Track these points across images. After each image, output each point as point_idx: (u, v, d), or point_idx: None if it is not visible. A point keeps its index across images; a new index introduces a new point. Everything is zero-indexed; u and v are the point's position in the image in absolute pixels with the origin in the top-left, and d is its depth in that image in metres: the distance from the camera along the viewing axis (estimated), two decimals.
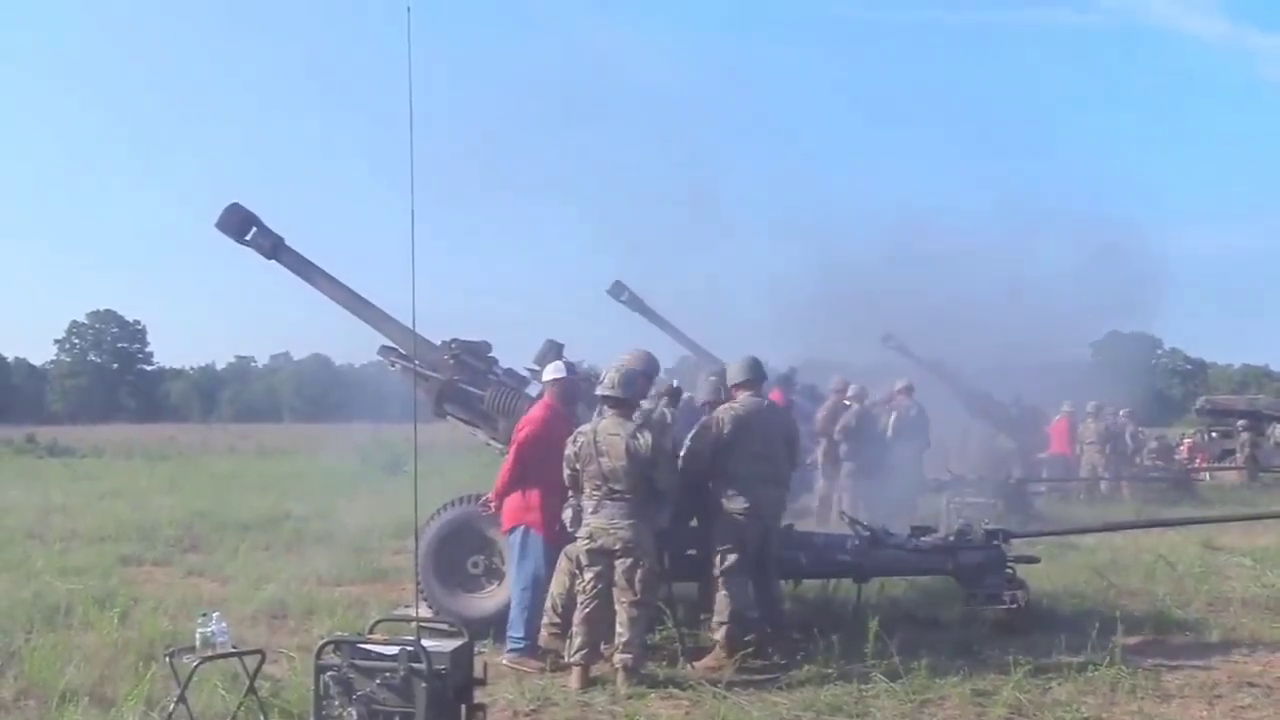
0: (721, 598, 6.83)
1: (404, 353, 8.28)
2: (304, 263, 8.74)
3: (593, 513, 6.52)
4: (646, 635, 6.72)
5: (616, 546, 6.44)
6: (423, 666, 4.36)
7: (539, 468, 6.88)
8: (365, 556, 10.77)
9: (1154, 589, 8.94)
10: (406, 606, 7.74)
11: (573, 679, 6.36)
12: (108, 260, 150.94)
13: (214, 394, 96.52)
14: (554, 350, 7.96)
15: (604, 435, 6.53)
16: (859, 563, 7.58)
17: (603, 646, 6.55)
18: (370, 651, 4.45)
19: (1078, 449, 18.42)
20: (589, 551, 6.52)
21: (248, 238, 8.73)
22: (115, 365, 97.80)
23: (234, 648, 5.03)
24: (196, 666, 4.88)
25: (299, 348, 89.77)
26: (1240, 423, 23.83)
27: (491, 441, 8.17)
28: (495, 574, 7.65)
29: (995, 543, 7.77)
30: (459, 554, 7.70)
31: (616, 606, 6.44)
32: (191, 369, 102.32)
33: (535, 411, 7.22)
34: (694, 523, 7.28)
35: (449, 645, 4.61)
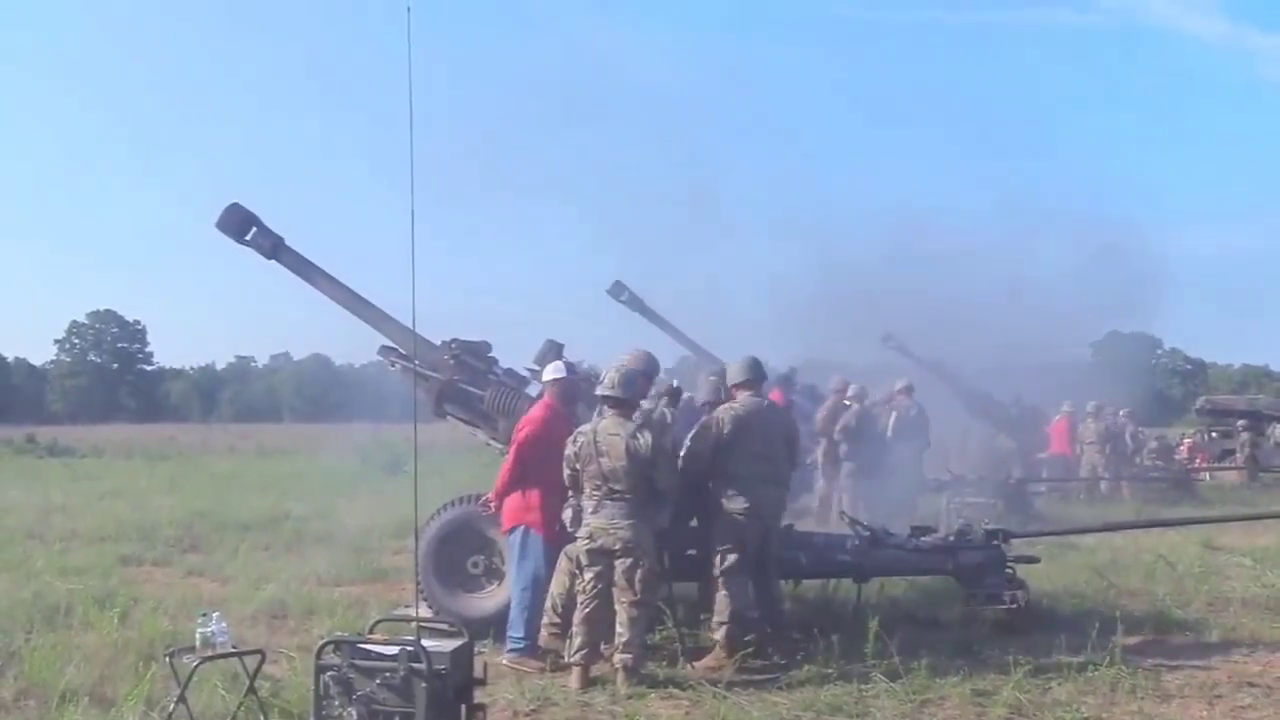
0: (722, 598, 6.83)
1: (404, 353, 8.28)
2: (304, 263, 8.74)
3: (593, 513, 6.52)
4: (646, 635, 6.72)
5: (616, 546, 6.44)
6: (423, 666, 4.36)
7: (539, 468, 6.88)
8: (365, 556, 10.76)
9: (1154, 589, 8.94)
10: (406, 606, 7.74)
11: (573, 679, 6.36)
12: (108, 260, 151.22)
13: (214, 394, 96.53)
14: (554, 350, 7.96)
15: (604, 435, 6.53)
16: (859, 563, 7.58)
17: (603, 646, 6.55)
18: (370, 651, 4.45)
19: (1078, 449, 18.42)
20: (589, 551, 6.52)
21: (248, 238, 8.73)
22: (115, 365, 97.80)
23: (234, 648, 5.03)
24: (196, 666, 4.87)
25: (299, 348, 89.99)
26: (1240, 423, 23.83)
27: (491, 441, 8.17)
28: (495, 574, 7.65)
29: (995, 543, 7.77)
30: (459, 554, 7.70)
31: (616, 606, 6.44)
32: (191, 369, 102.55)
33: (535, 411, 7.22)
34: (694, 523, 7.28)
35: (449, 645, 4.61)
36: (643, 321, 17.19)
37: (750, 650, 6.71)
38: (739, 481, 6.95)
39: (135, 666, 6.23)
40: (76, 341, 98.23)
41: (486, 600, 7.58)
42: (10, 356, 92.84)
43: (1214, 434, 25.70)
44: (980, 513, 10.67)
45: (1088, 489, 17.54)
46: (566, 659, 6.55)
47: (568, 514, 6.65)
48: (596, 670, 6.47)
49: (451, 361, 8.17)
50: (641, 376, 7.07)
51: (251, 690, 5.03)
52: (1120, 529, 10.81)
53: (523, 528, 7.00)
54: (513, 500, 7.03)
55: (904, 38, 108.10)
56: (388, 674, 4.36)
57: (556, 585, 6.89)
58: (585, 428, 6.68)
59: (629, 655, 6.34)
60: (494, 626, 7.09)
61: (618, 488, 6.47)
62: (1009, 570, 7.69)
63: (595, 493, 6.52)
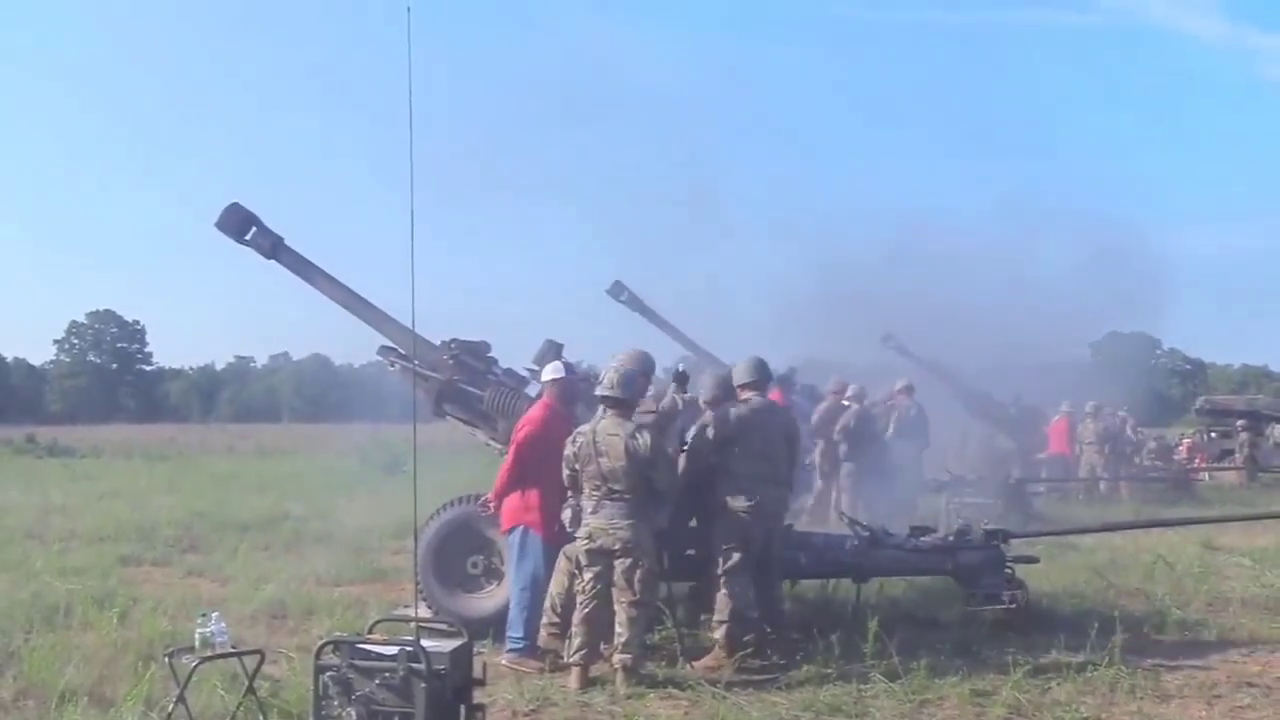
0: (722, 597, 6.83)
1: (404, 353, 8.28)
2: (304, 263, 8.74)
3: (592, 513, 6.52)
4: (646, 635, 6.73)
5: (616, 546, 6.44)
6: (422, 667, 4.35)
7: (538, 468, 6.88)
8: (365, 556, 10.76)
9: (1153, 589, 8.94)
10: (406, 606, 7.74)
11: (572, 679, 6.37)
12: (107, 260, 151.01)
13: (213, 394, 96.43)
14: (553, 350, 7.96)
15: (603, 435, 6.53)
16: (858, 563, 7.59)
17: (602, 646, 6.54)
18: (369, 652, 4.44)
19: (1077, 449, 18.42)
20: (588, 551, 6.52)
21: (247, 238, 8.73)
22: (114, 365, 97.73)
23: (233, 648, 5.03)
24: (196, 666, 4.87)
25: (298, 348, 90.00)
26: (1239, 423, 23.83)
27: (491, 441, 8.17)
28: (494, 574, 7.65)
29: (995, 543, 7.78)
30: (458, 554, 7.70)
31: (616, 606, 6.44)
32: (191, 369, 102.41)
33: (534, 411, 7.22)
34: (694, 523, 7.28)
35: (448, 645, 4.61)
36: (642, 321, 17.22)
37: (750, 650, 6.72)
38: (741, 481, 6.96)
39: (134, 666, 6.23)
40: (76, 341, 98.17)
41: (486, 600, 7.58)
42: (10, 356, 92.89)
43: (1213, 434, 25.71)
44: (980, 513, 10.65)
45: (1087, 489, 17.54)
46: (566, 659, 6.55)
47: (567, 514, 6.66)
48: (596, 670, 6.47)
49: (451, 361, 8.17)
50: (641, 376, 7.08)
51: (251, 690, 5.03)
52: (1119, 529, 10.82)
53: (522, 528, 7.00)
54: (512, 500, 7.03)
55: (904, 38, 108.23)
56: (387, 674, 4.36)
57: (556, 585, 6.89)
58: (584, 428, 6.68)
59: (628, 655, 6.34)
60: (493, 627, 7.08)
61: (617, 488, 6.47)
62: (1008, 570, 7.69)
63: (594, 493, 6.52)
